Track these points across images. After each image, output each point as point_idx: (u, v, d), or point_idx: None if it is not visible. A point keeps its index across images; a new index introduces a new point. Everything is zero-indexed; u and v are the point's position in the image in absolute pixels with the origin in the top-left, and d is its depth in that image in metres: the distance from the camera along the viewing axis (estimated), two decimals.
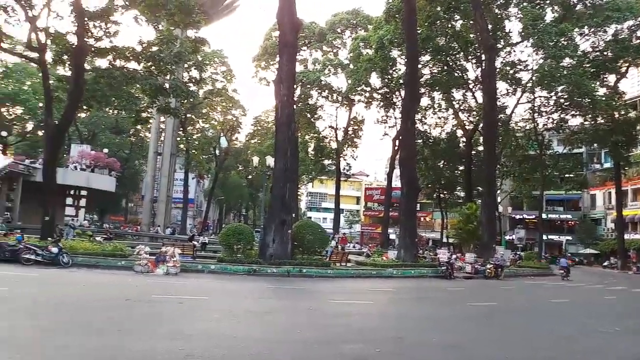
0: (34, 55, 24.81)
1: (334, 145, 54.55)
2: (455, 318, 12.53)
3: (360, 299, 15.15)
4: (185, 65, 42.94)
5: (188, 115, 52.27)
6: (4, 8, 22.86)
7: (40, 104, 43.50)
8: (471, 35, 40.54)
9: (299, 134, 45.91)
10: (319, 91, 50.13)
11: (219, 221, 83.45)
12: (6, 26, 23.44)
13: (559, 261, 33.93)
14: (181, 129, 51.55)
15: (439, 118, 49.43)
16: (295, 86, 32.84)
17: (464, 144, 48.70)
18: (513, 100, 44.68)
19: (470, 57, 42.97)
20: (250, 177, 74.01)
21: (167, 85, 27.11)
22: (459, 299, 17.81)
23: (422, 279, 24.40)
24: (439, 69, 44.40)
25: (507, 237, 57.09)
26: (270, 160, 28.45)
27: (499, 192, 49.20)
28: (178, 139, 51.39)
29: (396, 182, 53.40)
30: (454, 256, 28.48)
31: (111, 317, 9.62)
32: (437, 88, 45.01)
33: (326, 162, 57.05)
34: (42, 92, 37.05)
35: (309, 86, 48.48)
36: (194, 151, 54.84)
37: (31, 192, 34.01)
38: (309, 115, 50.99)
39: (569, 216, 62.41)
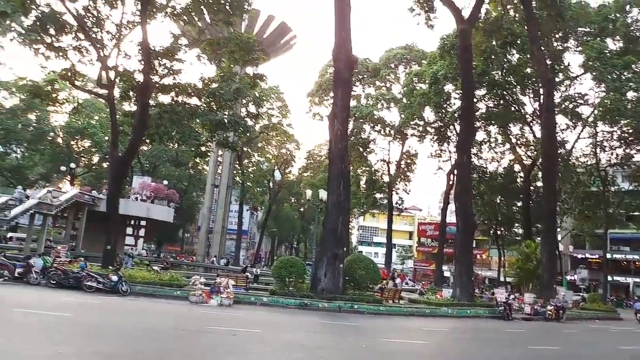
0: (103, 91, 26.43)
1: (386, 178, 54.32)
2: None
3: (415, 339, 14.76)
4: (244, 101, 44.39)
5: (244, 148, 53.71)
6: (79, 49, 24.64)
7: (107, 138, 46.03)
8: (528, 69, 39.88)
9: (351, 168, 46.12)
10: (372, 125, 50.46)
11: (271, 253, 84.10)
12: (79, 65, 25.25)
13: (632, 304, 31.71)
14: (237, 162, 52.95)
15: (496, 152, 48.47)
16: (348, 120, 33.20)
17: (522, 179, 47.28)
18: (573, 135, 43.26)
19: (527, 91, 42.16)
20: (302, 209, 74.64)
21: (225, 120, 28.03)
22: (519, 341, 17.02)
23: (479, 319, 23.55)
24: (495, 102, 43.78)
25: (569, 278, 54.21)
26: (323, 194, 28.67)
27: (559, 229, 47.14)
28: (234, 171, 52.76)
29: (451, 218, 52.28)
30: (512, 296, 27.35)
31: (169, 347, 9.85)
32: (493, 122, 44.31)
33: (378, 195, 56.72)
34: (108, 127, 39.28)
35: (361, 120, 48.93)
36: (249, 184, 56.07)
37: (95, 222, 35.62)
38: (361, 149, 51.25)
39: (636, 256, 58.69)
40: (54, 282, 19.26)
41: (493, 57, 39.92)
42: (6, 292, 16.75)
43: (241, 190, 56.92)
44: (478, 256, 65.68)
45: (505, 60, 40.91)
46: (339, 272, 22.96)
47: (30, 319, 11.46)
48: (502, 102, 43.20)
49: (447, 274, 58.62)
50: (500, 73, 41.53)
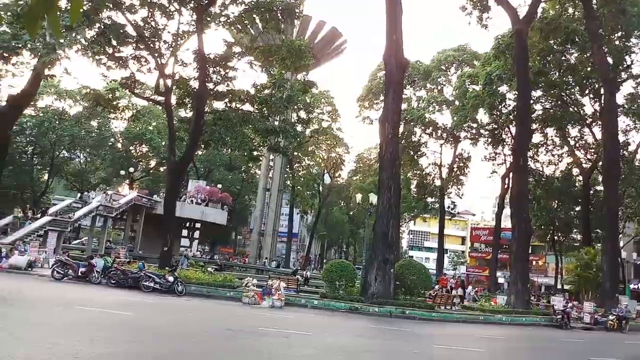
0: (161, 99, 27.44)
1: (437, 182, 53.48)
2: None
3: (468, 346, 14.49)
4: (295, 107, 44.96)
5: (295, 153, 54.31)
6: (138, 58, 25.75)
7: (163, 143, 47.73)
8: (588, 69, 38.32)
9: (402, 171, 45.72)
10: (423, 128, 49.83)
11: (320, 256, 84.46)
12: (138, 74, 26.37)
13: None
14: (288, 166, 53.59)
15: (553, 155, 46.84)
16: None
17: (581, 183, 45.44)
18: (638, 137, 41.19)
19: (587, 92, 40.51)
20: (351, 213, 74.53)
21: (277, 127, 28.49)
22: (578, 352, 16.37)
23: (535, 328, 22.82)
24: (553, 103, 42.32)
25: (632, 286, 51.42)
26: (373, 198, 28.58)
27: (621, 235, 44.92)
28: (285, 175, 53.43)
29: (505, 223, 50.83)
30: (570, 304, 26.28)
31: (222, 347, 10.14)
32: (550, 124, 42.82)
33: (429, 199, 55.88)
34: (165, 132, 40.75)
35: (412, 123, 48.40)
36: (299, 187, 56.55)
37: (152, 224, 37.03)
38: (412, 152, 50.71)
39: None
40: (114, 281, 20.17)
41: (550, 56, 38.61)
42: (71, 291, 17.68)
43: (292, 193, 57.54)
44: (534, 262, 63.39)
45: (563, 59, 39.46)
46: (389, 276, 22.83)
47: (93, 317, 12.06)
48: (559, 103, 41.70)
49: (501, 280, 56.95)
50: (558, 73, 40.08)
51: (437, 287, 31.53)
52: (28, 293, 15.57)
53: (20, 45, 21.67)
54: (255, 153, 29.74)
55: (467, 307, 26.84)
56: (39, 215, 28.88)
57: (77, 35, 21.64)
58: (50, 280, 19.68)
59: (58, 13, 2.98)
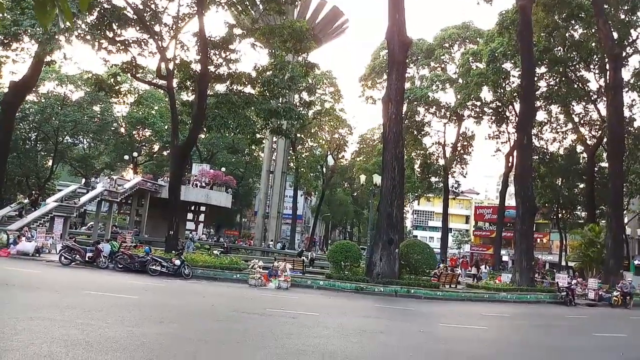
0: (163, 82, 27.34)
1: (441, 162, 53.30)
2: (583, 350, 11.62)
3: (474, 324, 14.62)
4: (297, 88, 44.75)
5: (298, 135, 54.20)
6: (139, 42, 25.60)
7: (166, 127, 47.68)
8: (593, 44, 37.87)
9: (405, 151, 45.59)
10: (426, 107, 49.50)
11: (325, 237, 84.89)
12: (139, 58, 26.24)
13: None
14: (291, 148, 53.53)
15: (557, 132, 46.59)
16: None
17: (585, 160, 45.26)
18: None
19: (592, 68, 40.10)
20: (355, 194, 74.68)
21: (280, 109, 28.41)
22: (583, 328, 16.51)
23: (539, 305, 22.98)
24: (557, 80, 41.93)
25: (636, 262, 51.56)
26: (377, 178, 28.59)
27: (626, 212, 44.88)
28: (288, 157, 53.40)
29: (510, 201, 50.84)
30: (574, 281, 26.43)
31: (231, 328, 10.25)
32: (554, 101, 42.48)
33: (433, 179, 55.79)
34: (168, 116, 40.65)
35: (415, 103, 48.07)
36: (302, 169, 56.61)
37: (157, 208, 37.24)
38: (415, 132, 50.45)
39: None
40: (121, 265, 20.37)
41: (555, 32, 38.11)
42: (79, 275, 17.88)
43: (295, 175, 57.62)
44: (538, 240, 63.61)
45: (568, 35, 38.95)
46: (394, 256, 22.96)
47: (103, 301, 12.21)
48: (564, 79, 41.30)
49: (505, 258, 57.20)
50: (562, 49, 39.63)
51: (441, 266, 31.75)
52: (40, 278, 15.75)
53: (20, 31, 21.57)
54: (257, 135, 29.66)
55: (471, 286, 27.02)
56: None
57: (78, 21, 21.52)
58: (58, 265, 19.88)
59: None
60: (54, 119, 44.71)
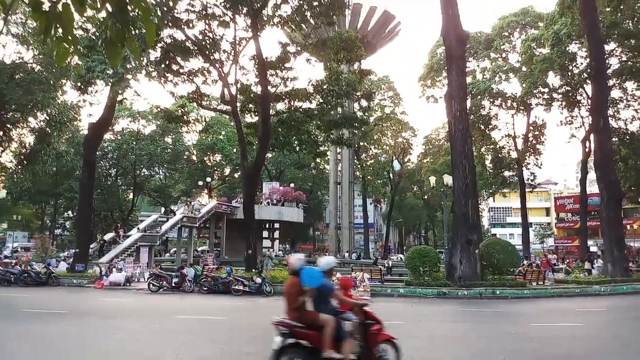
0: (227, 107, 28.27)
1: (513, 154, 51.24)
2: None
3: (567, 321, 13.83)
4: (355, 96, 44.78)
5: (361, 143, 54.11)
6: (201, 71, 26.68)
7: (235, 150, 49.19)
8: None
9: (474, 148, 44.28)
10: (491, 100, 47.89)
11: (399, 244, 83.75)
12: (203, 86, 27.35)
13: None
14: (355, 157, 53.50)
15: (636, 110, 43.49)
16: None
17: None
18: None
19: None
20: (426, 197, 73.18)
21: (341, 118, 28.50)
22: None
23: (638, 296, 21.34)
24: (630, 55, 39.25)
25: None
26: (447, 179, 27.92)
27: None
28: (354, 167, 53.38)
29: (592, 188, 48.02)
30: None
31: None
32: (629, 77, 39.77)
33: (507, 173, 53.63)
34: (235, 140, 41.93)
35: (479, 97, 46.65)
36: (369, 177, 56.35)
37: (234, 229, 38.32)
38: (482, 127, 48.87)
39: None
40: (206, 288, 21.11)
41: (622, 5, 35.79)
42: (167, 300, 18.68)
43: (362, 184, 57.42)
44: (628, 227, 59.46)
45: (637, 7, 36.47)
46: (474, 257, 22.23)
47: (192, 323, 12.67)
48: (637, 53, 38.61)
49: (593, 248, 53.86)
50: (632, 22, 37.10)
51: (525, 262, 30.32)
52: (132, 306, 16.62)
53: (94, 77, 23.13)
54: (321, 148, 29.92)
55: (560, 281, 25.65)
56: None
57: (144, 59, 22.77)
58: (148, 292, 20.89)
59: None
60: (130, 153, 47.41)
